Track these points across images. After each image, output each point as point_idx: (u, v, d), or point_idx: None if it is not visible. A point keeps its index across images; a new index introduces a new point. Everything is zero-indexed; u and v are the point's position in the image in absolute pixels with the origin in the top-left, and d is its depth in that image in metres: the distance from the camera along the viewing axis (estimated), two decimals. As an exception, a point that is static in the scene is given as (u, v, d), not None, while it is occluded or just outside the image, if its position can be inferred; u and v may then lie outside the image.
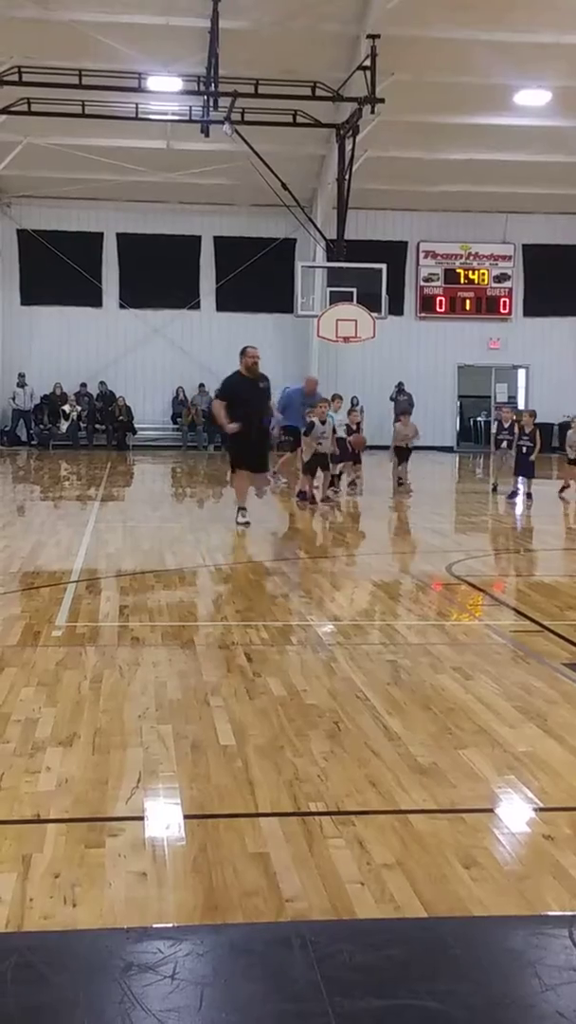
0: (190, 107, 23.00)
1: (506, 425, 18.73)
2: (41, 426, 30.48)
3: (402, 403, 30.62)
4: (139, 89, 21.65)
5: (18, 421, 30.69)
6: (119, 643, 7.23)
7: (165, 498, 19.06)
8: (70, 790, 4.49)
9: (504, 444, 18.44)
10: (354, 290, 22.51)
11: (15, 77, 21.01)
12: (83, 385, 30.86)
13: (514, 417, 18.99)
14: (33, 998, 2.90)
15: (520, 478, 17.77)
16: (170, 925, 3.39)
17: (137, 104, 22.80)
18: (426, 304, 31.89)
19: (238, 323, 31.18)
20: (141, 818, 4.25)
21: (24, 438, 30.81)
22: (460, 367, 31.69)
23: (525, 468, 17.60)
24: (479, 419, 32.47)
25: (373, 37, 20.66)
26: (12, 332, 30.58)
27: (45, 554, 11.18)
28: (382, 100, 20.99)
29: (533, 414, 18.48)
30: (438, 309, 31.93)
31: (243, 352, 13.93)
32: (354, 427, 18.34)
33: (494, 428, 19.78)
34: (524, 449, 17.57)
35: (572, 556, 9.17)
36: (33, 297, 30.73)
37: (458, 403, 32.45)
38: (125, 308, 31.08)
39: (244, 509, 13.37)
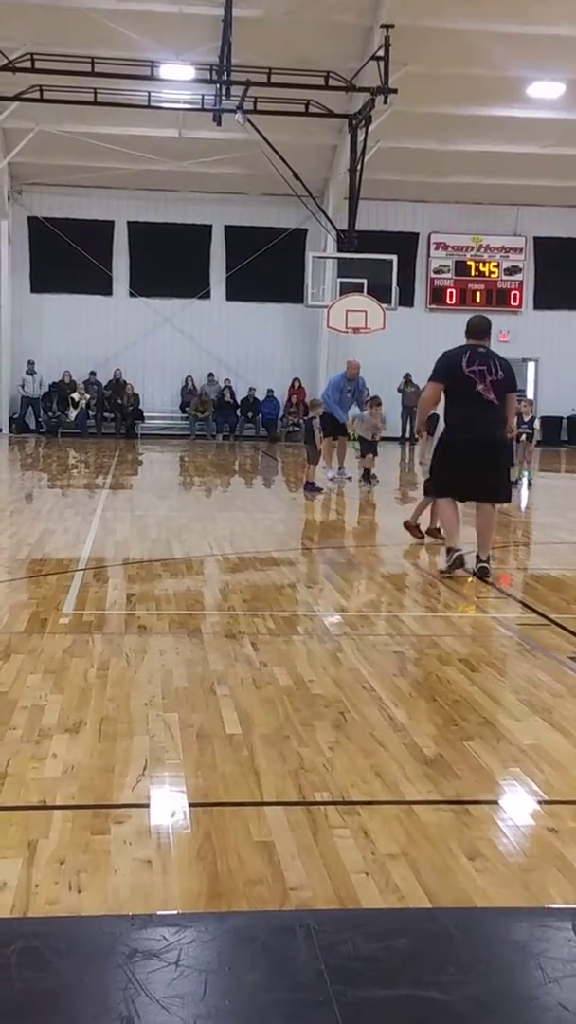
0: (202, 96, 23.00)
1: (526, 419, 18.70)
2: (50, 414, 30.51)
3: (409, 395, 30.64)
4: (151, 77, 21.66)
5: (27, 409, 30.72)
6: (126, 631, 7.24)
7: (173, 487, 19.07)
8: (76, 777, 4.50)
9: (523, 437, 18.38)
10: (364, 281, 22.52)
11: (27, 64, 21.03)
12: (92, 373, 30.87)
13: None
14: (38, 983, 2.91)
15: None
16: (175, 912, 3.40)
17: (149, 92, 22.80)
18: (436, 296, 31.85)
19: (248, 313, 31.19)
20: (147, 805, 4.26)
21: (33, 426, 30.86)
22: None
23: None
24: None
25: (387, 27, 20.65)
26: (22, 319, 30.58)
27: (53, 542, 11.19)
28: (395, 91, 20.97)
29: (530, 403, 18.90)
30: (448, 301, 31.89)
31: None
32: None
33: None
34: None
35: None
36: (43, 285, 30.74)
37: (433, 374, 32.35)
38: (135, 296, 31.07)
39: (459, 553, 9.47)
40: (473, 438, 9.40)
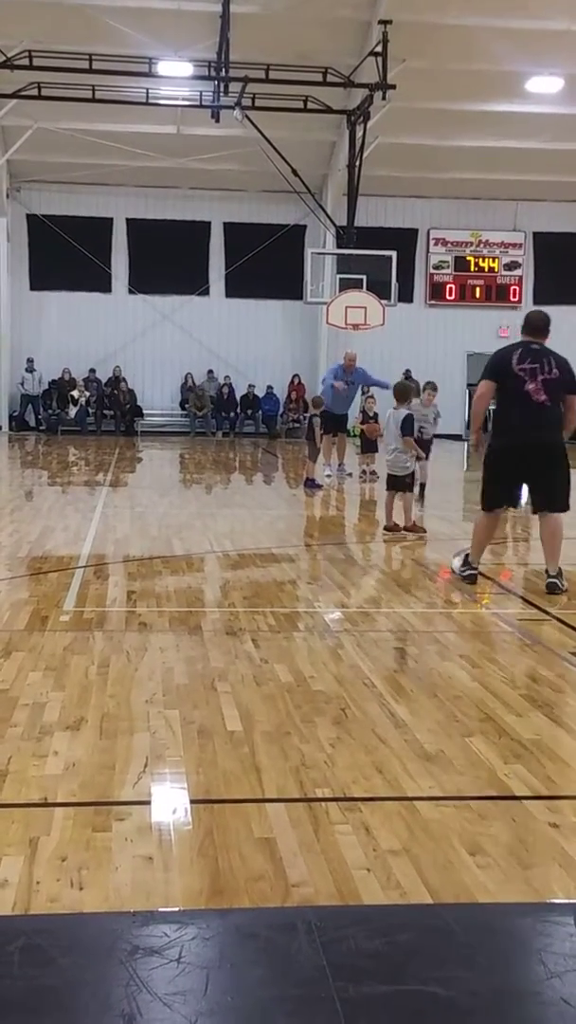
0: (201, 92, 22.99)
1: None
2: (49, 411, 30.49)
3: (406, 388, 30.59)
4: (150, 74, 21.65)
5: (26, 406, 30.69)
6: (126, 628, 7.24)
7: (173, 484, 19.06)
8: (77, 774, 4.50)
9: None
10: (364, 277, 22.52)
11: (25, 61, 21.01)
12: (92, 370, 30.86)
13: None
14: (40, 980, 2.91)
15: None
16: (176, 909, 3.40)
17: (148, 89, 22.80)
18: (436, 291, 31.83)
19: (247, 309, 31.18)
20: (148, 802, 4.26)
21: (32, 423, 30.81)
22: (469, 355, 31.57)
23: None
24: (488, 407, 32.38)
25: (385, 23, 20.63)
26: (21, 317, 30.56)
27: (53, 539, 11.19)
28: (393, 86, 20.95)
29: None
30: (448, 297, 31.88)
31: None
32: (371, 415, 18.30)
33: None
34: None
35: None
36: (42, 282, 30.70)
37: (467, 391, 32.38)
38: (134, 293, 31.05)
39: (475, 572, 9.07)
40: (521, 441, 8.72)
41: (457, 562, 9.27)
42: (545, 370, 8.64)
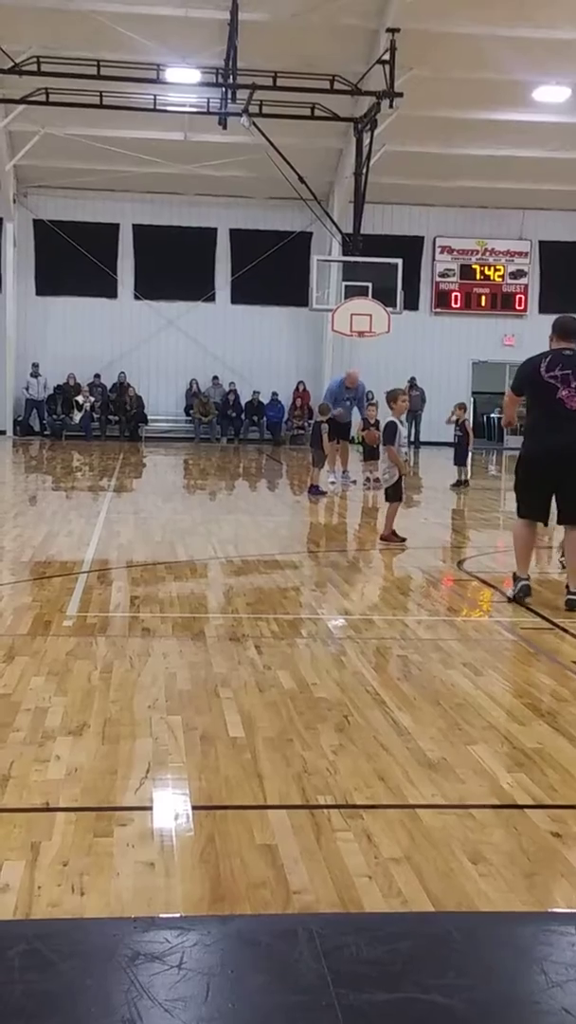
0: (208, 99, 23.02)
1: None
2: (54, 416, 30.51)
3: (413, 399, 30.60)
4: (157, 80, 21.68)
5: (31, 411, 30.71)
6: (129, 634, 7.24)
7: (177, 490, 19.07)
8: (79, 779, 4.50)
9: None
10: (369, 284, 22.52)
11: (34, 67, 21.05)
12: (97, 376, 30.87)
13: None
14: (40, 985, 2.91)
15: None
16: (177, 915, 3.40)
17: (155, 95, 22.84)
18: (441, 299, 31.83)
19: (253, 316, 31.19)
20: (150, 808, 4.26)
21: (37, 428, 30.84)
22: (474, 363, 31.63)
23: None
24: (492, 415, 32.38)
25: (392, 31, 20.65)
26: (27, 322, 30.60)
27: (57, 544, 11.20)
28: (400, 94, 20.97)
29: (463, 407, 19.54)
30: (453, 305, 31.87)
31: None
32: (372, 422, 18.31)
33: None
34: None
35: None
36: (48, 287, 30.73)
37: (472, 399, 32.40)
38: (140, 299, 31.07)
39: (524, 583, 8.68)
40: (550, 450, 8.31)
41: (510, 588, 8.80)
42: None
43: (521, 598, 8.53)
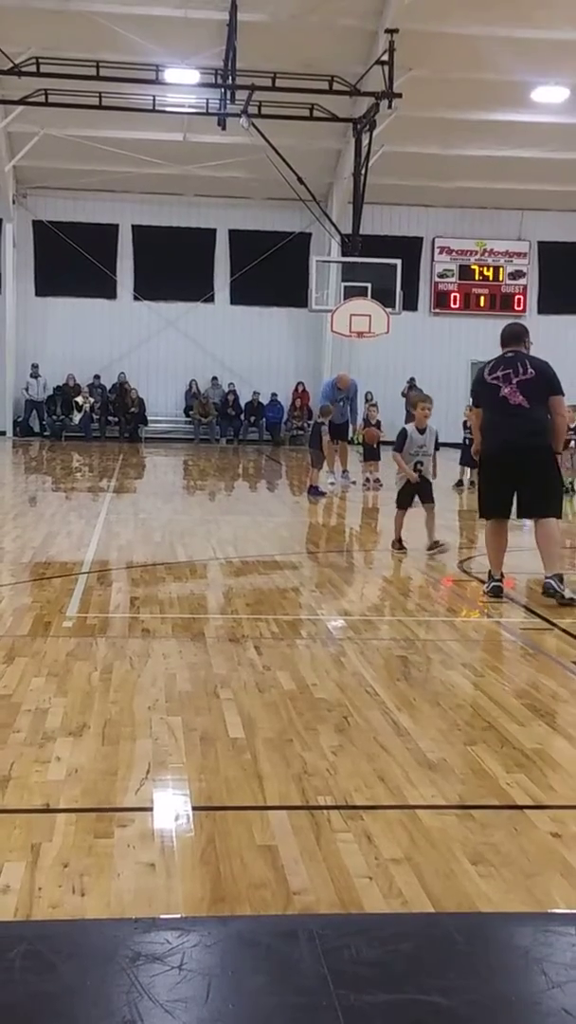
0: (207, 100, 23.03)
1: (572, 425, 18.51)
2: (54, 417, 30.52)
3: (411, 398, 30.59)
4: (156, 81, 21.69)
5: (31, 412, 30.72)
6: (129, 634, 7.24)
7: (176, 490, 19.07)
8: (79, 780, 4.50)
9: (572, 443, 18.13)
10: (368, 285, 22.53)
11: (33, 68, 21.05)
12: (96, 377, 30.88)
13: None
14: (41, 986, 2.91)
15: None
16: (178, 916, 3.40)
17: (154, 96, 22.84)
18: (440, 300, 31.83)
19: (252, 317, 31.20)
20: (150, 809, 4.26)
21: (37, 429, 30.86)
22: (473, 363, 31.48)
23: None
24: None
25: (391, 32, 20.65)
26: (26, 323, 30.60)
27: (56, 545, 11.20)
28: (399, 95, 20.98)
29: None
30: (452, 305, 31.87)
31: None
32: (373, 422, 18.33)
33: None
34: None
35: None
36: (48, 288, 30.73)
37: (471, 400, 32.38)
38: (139, 300, 31.07)
39: (499, 584, 8.85)
40: (499, 445, 8.64)
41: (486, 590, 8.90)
42: (519, 372, 8.61)
43: (495, 597, 8.66)
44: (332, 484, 17.66)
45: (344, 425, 18.64)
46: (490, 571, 8.89)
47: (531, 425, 8.55)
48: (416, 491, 11.31)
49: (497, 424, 8.69)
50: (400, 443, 11.31)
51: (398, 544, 11.22)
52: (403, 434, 11.34)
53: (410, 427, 11.41)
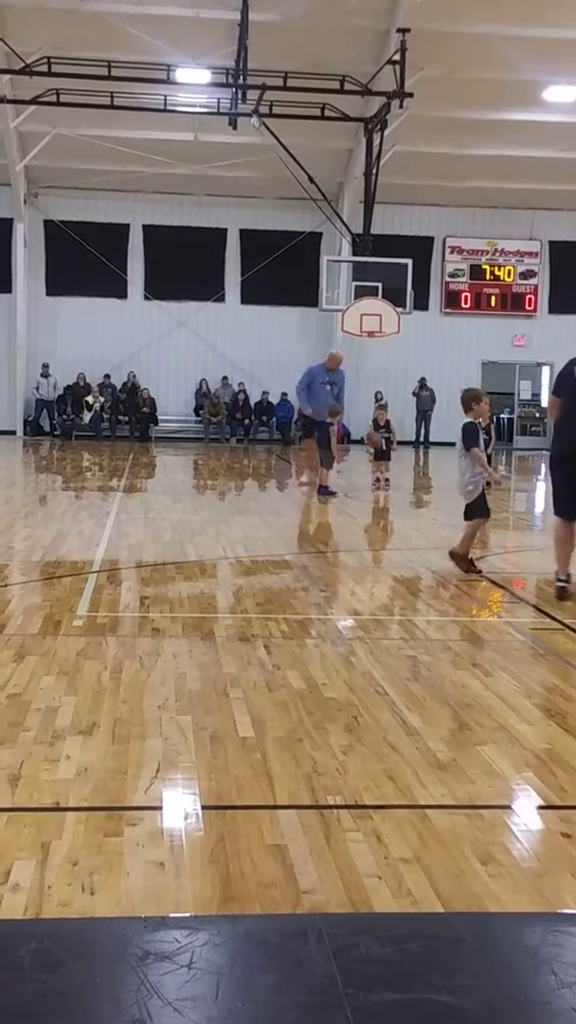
0: (218, 99, 23.03)
1: None
2: (64, 416, 30.57)
3: (423, 399, 30.59)
4: (168, 81, 21.69)
5: (41, 411, 30.78)
6: (139, 633, 7.25)
7: (187, 490, 19.08)
8: (89, 779, 4.51)
9: None
10: (379, 285, 22.52)
11: (44, 68, 21.08)
12: (107, 376, 30.91)
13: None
14: (50, 984, 2.92)
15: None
16: (187, 915, 3.40)
17: (166, 96, 22.85)
18: (451, 300, 31.81)
19: (263, 316, 31.20)
20: (159, 808, 4.26)
21: (47, 428, 30.92)
22: (484, 363, 31.58)
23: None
24: (503, 416, 32.35)
25: (403, 31, 20.63)
26: (37, 322, 30.65)
27: (67, 544, 11.21)
28: (411, 95, 20.95)
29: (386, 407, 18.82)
30: (463, 305, 31.85)
31: None
32: (382, 424, 18.27)
33: None
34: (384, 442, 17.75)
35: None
36: (58, 288, 30.78)
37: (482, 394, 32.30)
38: (150, 300, 31.11)
39: (564, 584, 8.73)
40: (566, 447, 8.67)
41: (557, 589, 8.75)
42: None
43: (557, 598, 8.61)
44: (303, 485, 17.27)
45: (323, 425, 16.98)
46: (557, 571, 8.81)
47: None
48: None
49: (569, 426, 8.69)
50: (476, 437, 9.79)
51: (471, 565, 9.73)
52: (475, 428, 9.88)
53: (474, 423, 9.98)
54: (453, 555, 9.84)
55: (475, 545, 10.12)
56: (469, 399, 9.90)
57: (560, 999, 2.94)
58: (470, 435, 9.73)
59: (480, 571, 9.72)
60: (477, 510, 9.82)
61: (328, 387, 17.26)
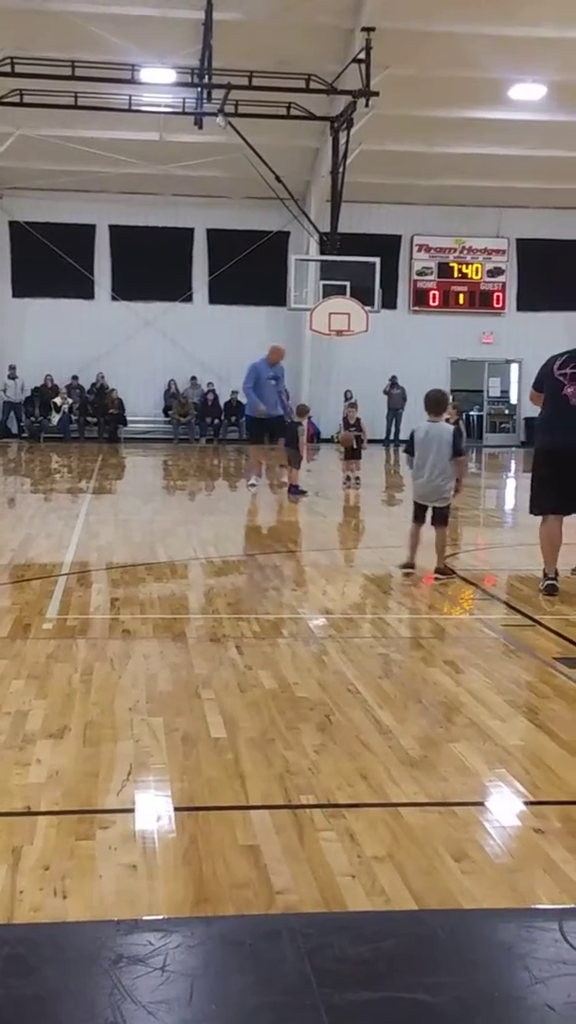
0: (184, 99, 22.96)
1: None
2: (32, 418, 30.45)
3: (394, 397, 30.64)
4: (132, 81, 21.60)
5: (8, 413, 30.67)
6: (110, 636, 7.22)
7: (156, 491, 19.03)
8: (60, 782, 4.48)
9: None
10: (347, 283, 22.53)
11: (8, 68, 20.94)
12: (75, 377, 30.81)
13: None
14: (23, 990, 2.90)
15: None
16: (160, 917, 3.38)
17: (130, 96, 22.74)
18: (419, 298, 31.90)
19: (231, 316, 31.17)
20: (132, 810, 4.24)
21: (15, 430, 30.79)
22: (453, 361, 31.68)
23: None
24: (472, 413, 32.46)
25: (368, 30, 20.64)
26: (3, 324, 30.52)
27: (36, 546, 11.15)
28: (376, 93, 20.96)
29: (457, 408, 18.75)
30: (431, 303, 31.95)
31: None
32: (352, 422, 18.31)
33: None
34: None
35: (564, 551, 9.17)
36: (25, 289, 30.65)
37: (451, 397, 32.40)
38: (117, 300, 31.02)
39: (550, 582, 8.75)
40: (555, 445, 8.75)
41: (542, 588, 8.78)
42: None
43: (548, 595, 8.64)
44: (253, 486, 17.07)
45: (279, 419, 16.93)
46: (544, 570, 8.85)
47: None
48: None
49: (553, 422, 8.83)
50: (463, 444, 9.71)
51: (448, 570, 9.58)
52: (461, 434, 9.90)
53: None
54: (439, 572, 9.43)
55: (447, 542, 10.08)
56: (444, 402, 9.77)
57: (534, 994, 2.95)
58: (462, 440, 9.79)
59: (453, 571, 9.67)
60: (447, 516, 9.64)
61: (273, 382, 16.98)
